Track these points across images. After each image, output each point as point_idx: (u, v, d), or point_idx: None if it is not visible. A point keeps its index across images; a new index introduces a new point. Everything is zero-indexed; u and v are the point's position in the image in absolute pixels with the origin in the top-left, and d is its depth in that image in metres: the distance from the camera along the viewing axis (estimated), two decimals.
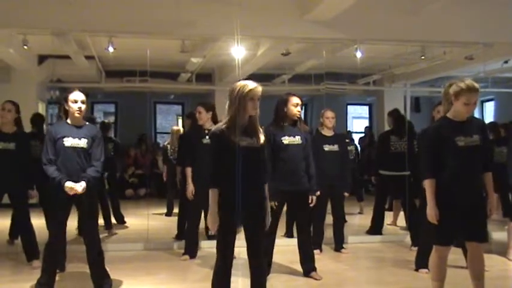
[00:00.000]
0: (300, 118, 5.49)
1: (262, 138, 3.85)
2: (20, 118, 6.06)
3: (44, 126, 7.72)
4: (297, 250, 5.63)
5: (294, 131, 5.39)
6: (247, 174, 3.70)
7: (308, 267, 5.56)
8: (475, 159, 4.08)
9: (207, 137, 5.97)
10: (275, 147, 5.22)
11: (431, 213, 4.06)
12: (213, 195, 3.77)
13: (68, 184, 4.56)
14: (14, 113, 5.94)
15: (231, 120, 3.78)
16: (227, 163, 3.74)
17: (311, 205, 5.52)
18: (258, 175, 3.83)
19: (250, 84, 3.80)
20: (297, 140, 5.36)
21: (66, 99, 4.73)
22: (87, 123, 4.89)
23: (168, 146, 9.22)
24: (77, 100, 4.70)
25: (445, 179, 4.06)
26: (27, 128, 6.71)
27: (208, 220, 3.79)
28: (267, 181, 3.94)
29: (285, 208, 5.71)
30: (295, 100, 5.39)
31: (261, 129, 3.88)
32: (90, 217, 4.84)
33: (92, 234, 4.87)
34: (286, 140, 5.32)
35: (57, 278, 4.89)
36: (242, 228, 3.88)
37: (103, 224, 7.59)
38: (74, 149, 4.66)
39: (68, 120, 4.77)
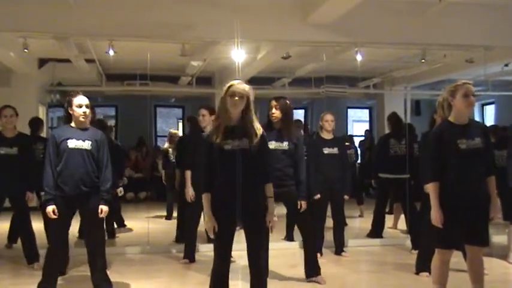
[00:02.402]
0: (286, 121, 5.38)
1: (256, 138, 3.76)
2: None
3: (44, 129, 7.72)
4: (297, 253, 5.60)
5: (281, 136, 5.33)
6: (238, 177, 3.68)
7: (311, 271, 5.51)
8: (478, 162, 4.08)
9: None
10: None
11: (436, 216, 4.06)
12: (205, 199, 3.79)
13: (49, 209, 4.57)
14: (15, 117, 5.98)
15: (216, 121, 3.79)
16: (216, 166, 3.75)
17: (301, 211, 5.39)
18: (251, 177, 3.75)
19: (234, 82, 3.80)
20: (284, 145, 5.30)
21: (70, 103, 4.72)
22: (90, 126, 4.89)
23: (170, 150, 9.21)
24: (81, 105, 4.69)
25: (447, 182, 4.06)
26: (26, 131, 6.72)
27: (205, 224, 3.77)
28: (268, 181, 3.86)
29: (285, 212, 5.70)
30: (270, 103, 5.38)
31: (257, 129, 3.79)
32: (95, 224, 4.80)
33: (97, 241, 4.85)
34: (272, 144, 5.18)
35: (58, 281, 4.88)
36: (242, 231, 3.88)
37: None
38: (78, 150, 4.65)
39: (72, 124, 4.76)
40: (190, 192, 6.23)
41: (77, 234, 6.85)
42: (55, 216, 4.59)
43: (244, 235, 3.88)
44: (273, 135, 5.28)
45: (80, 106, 4.69)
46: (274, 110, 5.34)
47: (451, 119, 4.16)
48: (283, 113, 5.36)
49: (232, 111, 3.75)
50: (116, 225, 8.16)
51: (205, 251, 6.59)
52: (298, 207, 5.38)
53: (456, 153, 4.04)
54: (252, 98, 3.80)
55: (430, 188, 4.14)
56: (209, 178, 3.78)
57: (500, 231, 7.04)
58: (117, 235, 7.93)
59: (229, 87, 3.75)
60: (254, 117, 3.82)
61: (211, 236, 3.77)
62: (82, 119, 4.70)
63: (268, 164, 3.96)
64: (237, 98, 3.72)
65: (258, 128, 3.82)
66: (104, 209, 4.69)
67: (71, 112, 4.73)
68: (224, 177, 3.73)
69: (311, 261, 5.53)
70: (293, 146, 5.34)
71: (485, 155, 4.14)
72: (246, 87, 3.78)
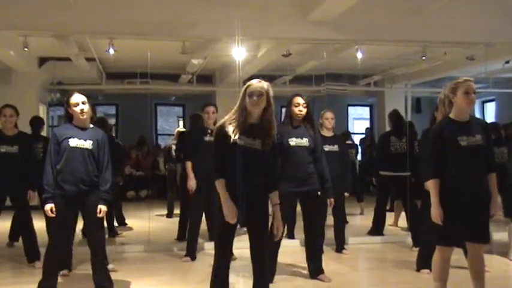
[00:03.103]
0: (307, 119, 5.39)
1: (270, 141, 3.76)
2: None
3: (44, 128, 7.73)
4: (298, 251, 5.61)
5: (302, 132, 5.33)
6: (245, 175, 3.67)
7: (317, 270, 5.50)
8: (478, 159, 4.08)
9: (208, 135, 5.98)
10: (282, 148, 5.12)
11: (436, 213, 4.06)
12: (220, 185, 3.73)
13: (47, 207, 4.58)
14: (15, 117, 5.98)
15: (235, 117, 3.75)
16: (226, 160, 3.72)
17: (330, 207, 5.58)
18: (259, 177, 3.75)
19: (252, 81, 3.79)
20: (305, 142, 5.30)
21: (68, 104, 4.72)
22: (92, 125, 4.88)
23: (173, 147, 9.23)
24: (77, 103, 4.69)
25: (448, 179, 4.06)
26: (27, 130, 6.73)
27: (224, 211, 3.67)
28: (276, 188, 3.86)
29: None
30: (295, 100, 5.34)
31: (274, 132, 3.79)
32: (95, 222, 4.79)
33: (97, 240, 4.85)
34: (293, 141, 5.27)
35: (59, 279, 4.88)
36: (246, 230, 3.88)
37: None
38: (79, 149, 4.65)
39: (73, 122, 4.76)
40: (193, 184, 6.23)
41: (81, 234, 6.87)
42: (53, 215, 4.60)
43: (246, 233, 3.88)
44: (293, 133, 5.30)
45: (76, 104, 4.68)
46: (301, 108, 5.34)
47: (451, 116, 4.16)
48: (308, 110, 5.40)
49: (253, 110, 3.73)
50: (116, 224, 8.16)
51: (207, 249, 6.60)
52: (328, 204, 5.48)
53: (457, 150, 4.04)
54: (271, 94, 3.78)
55: (430, 185, 4.14)
56: (221, 164, 3.74)
57: (500, 228, 7.04)
58: (118, 233, 7.93)
59: (247, 87, 3.74)
60: (273, 118, 3.80)
61: (232, 221, 3.68)
62: (81, 117, 4.70)
63: (278, 169, 3.95)
64: (255, 98, 3.70)
65: (275, 131, 3.81)
66: (102, 208, 4.69)
67: (70, 112, 4.74)
68: (232, 173, 3.69)
69: (317, 260, 5.52)
70: (313, 142, 5.35)
71: (486, 152, 4.14)
72: (265, 85, 3.76)
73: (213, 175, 3.77)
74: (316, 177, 5.32)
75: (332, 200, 5.52)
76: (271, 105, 3.77)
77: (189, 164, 6.31)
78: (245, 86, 3.77)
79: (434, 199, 4.09)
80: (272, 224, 3.87)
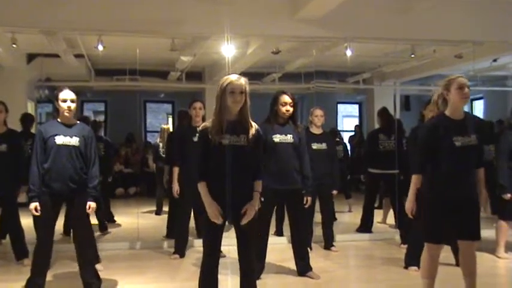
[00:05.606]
0: (292, 117, 5.42)
1: (252, 135, 3.76)
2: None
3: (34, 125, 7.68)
4: (286, 248, 5.61)
5: (286, 129, 5.35)
6: (232, 173, 3.67)
7: (304, 267, 5.52)
8: (470, 159, 4.11)
9: (197, 134, 5.98)
10: (266, 145, 5.15)
11: (409, 206, 4.17)
12: (202, 188, 3.75)
13: (31, 206, 4.59)
14: (4, 113, 5.93)
15: (216, 117, 3.74)
16: (211, 161, 3.73)
17: (306, 206, 5.49)
18: (245, 173, 3.76)
19: (231, 77, 3.75)
20: (289, 138, 5.33)
21: (56, 98, 4.71)
22: (78, 122, 4.86)
23: (160, 144, 9.21)
24: (66, 99, 4.67)
25: (439, 177, 4.08)
26: (17, 127, 6.69)
27: (209, 213, 3.70)
28: (260, 178, 3.85)
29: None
30: (283, 99, 5.35)
31: (253, 127, 3.79)
32: (83, 221, 4.78)
33: (85, 237, 4.84)
34: (277, 138, 5.30)
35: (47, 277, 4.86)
36: (233, 227, 3.88)
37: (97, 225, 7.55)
38: (66, 147, 4.63)
39: (59, 119, 4.75)
40: (176, 188, 6.26)
41: (61, 231, 6.84)
42: (37, 214, 4.58)
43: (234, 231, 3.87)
44: (278, 130, 5.32)
45: (64, 101, 4.67)
46: (289, 107, 5.35)
47: (447, 113, 4.14)
48: (294, 109, 5.40)
49: (234, 108, 3.72)
50: (106, 221, 8.12)
51: (196, 246, 6.61)
52: (304, 202, 5.43)
53: (450, 150, 4.04)
54: (248, 91, 3.76)
55: (413, 179, 4.17)
56: (204, 167, 3.75)
57: (488, 225, 7.09)
58: (109, 230, 7.90)
59: (228, 84, 3.71)
60: (249, 112, 3.80)
61: (218, 222, 3.69)
62: (66, 114, 4.69)
63: (261, 160, 3.96)
64: (238, 97, 3.69)
65: (253, 125, 3.81)
66: (92, 205, 4.69)
67: (57, 107, 4.72)
68: (217, 171, 3.70)
69: (304, 257, 5.54)
70: (298, 139, 5.37)
71: (478, 150, 4.17)
72: (244, 82, 3.74)
73: (197, 178, 3.77)
74: (298, 176, 5.35)
75: (309, 198, 5.48)
76: (248, 102, 3.76)
77: (175, 170, 6.32)
78: (225, 83, 3.72)
79: (411, 192, 4.16)
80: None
